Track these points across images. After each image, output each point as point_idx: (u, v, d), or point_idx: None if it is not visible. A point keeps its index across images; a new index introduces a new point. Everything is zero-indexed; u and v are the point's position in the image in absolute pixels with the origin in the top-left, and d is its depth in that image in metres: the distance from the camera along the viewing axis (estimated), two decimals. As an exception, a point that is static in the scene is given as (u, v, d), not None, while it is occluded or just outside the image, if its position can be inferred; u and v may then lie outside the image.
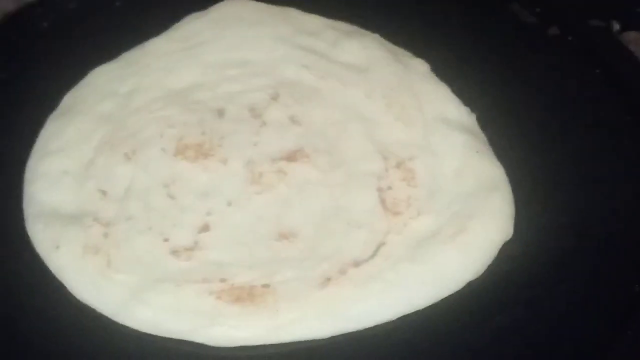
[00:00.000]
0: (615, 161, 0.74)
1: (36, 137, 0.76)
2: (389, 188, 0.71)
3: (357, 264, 0.67)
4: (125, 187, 0.71)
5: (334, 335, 0.64)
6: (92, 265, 0.66)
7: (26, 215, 0.70)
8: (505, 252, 0.68)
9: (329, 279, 0.66)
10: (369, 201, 0.70)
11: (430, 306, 0.65)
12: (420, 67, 0.81)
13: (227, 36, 0.83)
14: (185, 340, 0.63)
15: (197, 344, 0.63)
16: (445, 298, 0.66)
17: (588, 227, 0.70)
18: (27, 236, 0.69)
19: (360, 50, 0.82)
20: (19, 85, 0.79)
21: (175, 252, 0.67)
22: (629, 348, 0.63)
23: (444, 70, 0.81)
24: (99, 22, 0.86)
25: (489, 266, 0.67)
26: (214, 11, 0.86)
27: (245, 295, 0.64)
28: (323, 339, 0.64)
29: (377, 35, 0.85)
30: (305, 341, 0.64)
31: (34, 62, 0.81)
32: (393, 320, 0.65)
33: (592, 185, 0.73)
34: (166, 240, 0.68)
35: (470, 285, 0.66)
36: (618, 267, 0.68)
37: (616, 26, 0.91)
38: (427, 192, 0.71)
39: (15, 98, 0.78)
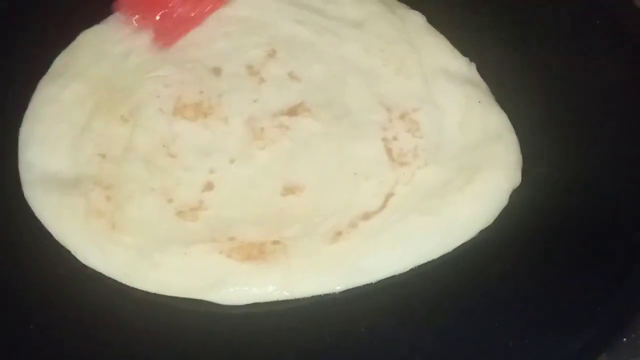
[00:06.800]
0: (620, 104, 0.73)
1: (28, 101, 0.73)
2: (394, 139, 0.70)
3: (367, 216, 0.66)
4: (123, 149, 0.69)
5: (347, 288, 0.63)
6: (97, 228, 0.65)
7: (23, 182, 0.69)
8: (515, 199, 0.68)
9: (339, 233, 0.65)
10: (375, 151, 0.69)
11: (442, 256, 0.65)
12: (416, 18, 0.80)
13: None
14: (197, 300, 0.63)
15: (209, 303, 0.62)
16: (458, 248, 0.65)
17: (595, 170, 0.69)
18: (26, 203, 0.67)
19: (355, 5, 0.81)
20: (8, 49, 0.77)
21: (180, 213, 0.66)
22: (634, 291, 0.63)
23: (440, 21, 0.80)
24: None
25: (500, 214, 0.67)
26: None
27: (256, 253, 0.63)
28: (336, 293, 0.63)
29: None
30: (318, 296, 0.63)
31: (22, 26, 0.78)
32: (406, 272, 0.64)
33: (597, 129, 0.72)
34: (170, 200, 0.67)
35: (482, 234, 0.66)
36: (626, 211, 0.67)
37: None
38: (433, 143, 0.70)
39: (5, 63, 0.76)
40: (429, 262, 0.65)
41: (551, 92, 0.75)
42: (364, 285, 0.64)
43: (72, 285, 0.63)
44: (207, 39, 0.77)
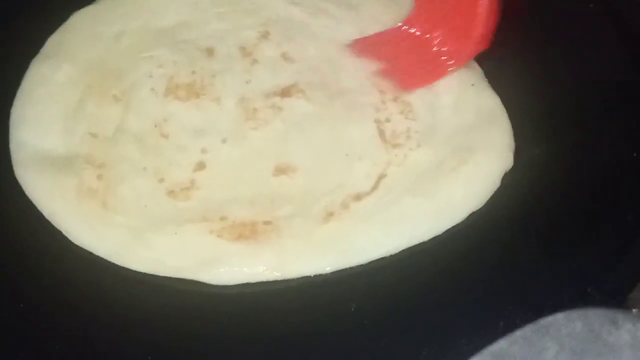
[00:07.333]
0: (612, 87, 0.73)
1: (20, 81, 0.73)
2: (387, 120, 0.70)
3: (359, 197, 0.66)
4: (115, 129, 0.69)
5: (338, 269, 0.63)
6: (88, 208, 0.65)
7: (14, 161, 0.68)
8: (507, 182, 0.68)
9: (331, 214, 0.65)
10: (368, 132, 0.69)
11: (433, 238, 0.65)
12: (410, 1, 0.80)
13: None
14: (188, 280, 0.62)
15: (201, 282, 0.62)
16: (449, 230, 0.65)
17: (587, 153, 0.69)
18: (17, 182, 0.67)
19: (349, -14, 0.81)
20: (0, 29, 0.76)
21: (172, 193, 0.66)
22: (626, 274, 0.63)
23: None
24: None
25: (492, 196, 0.67)
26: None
27: (247, 233, 0.63)
28: (327, 274, 0.63)
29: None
30: (309, 276, 0.63)
31: (14, 6, 0.78)
32: (397, 253, 0.64)
33: (589, 113, 0.72)
34: (162, 180, 0.67)
35: (473, 216, 0.66)
36: (618, 193, 0.67)
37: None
38: (426, 125, 0.70)
39: (-3, 42, 0.76)
40: (420, 244, 0.64)
41: (544, 76, 0.74)
42: (355, 266, 0.63)
43: (64, 265, 0.63)
44: (200, 19, 0.77)
